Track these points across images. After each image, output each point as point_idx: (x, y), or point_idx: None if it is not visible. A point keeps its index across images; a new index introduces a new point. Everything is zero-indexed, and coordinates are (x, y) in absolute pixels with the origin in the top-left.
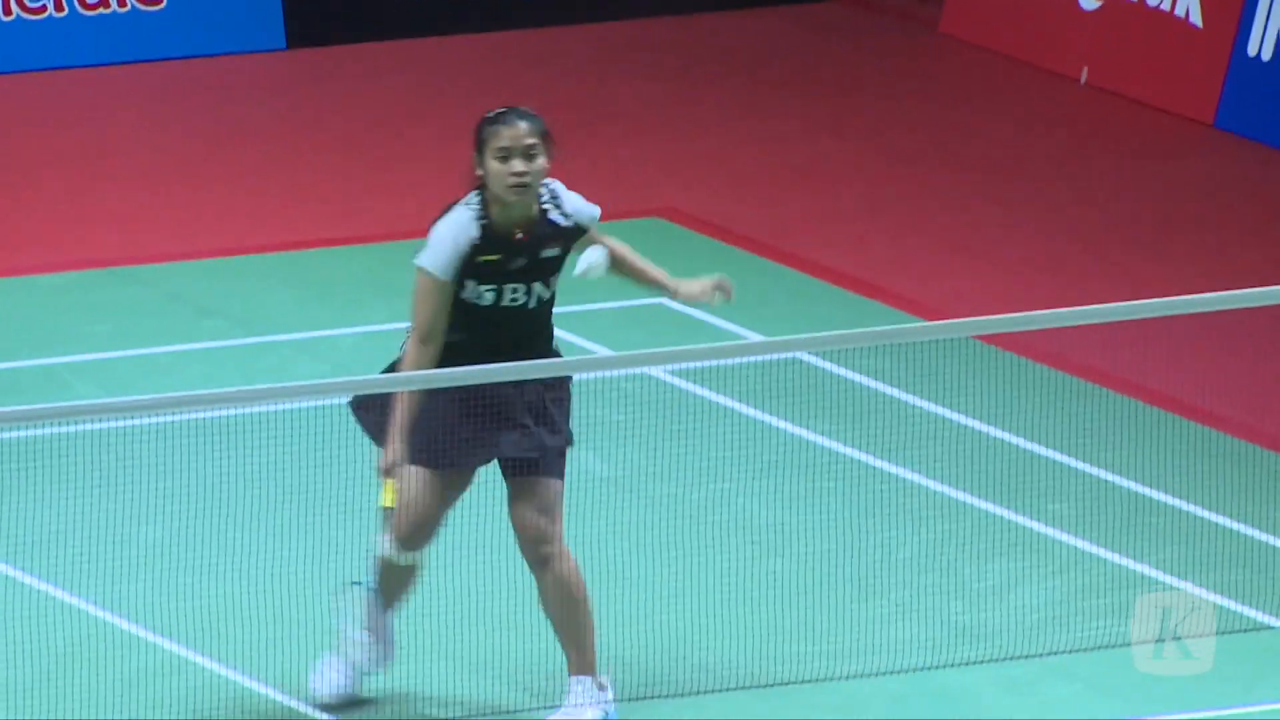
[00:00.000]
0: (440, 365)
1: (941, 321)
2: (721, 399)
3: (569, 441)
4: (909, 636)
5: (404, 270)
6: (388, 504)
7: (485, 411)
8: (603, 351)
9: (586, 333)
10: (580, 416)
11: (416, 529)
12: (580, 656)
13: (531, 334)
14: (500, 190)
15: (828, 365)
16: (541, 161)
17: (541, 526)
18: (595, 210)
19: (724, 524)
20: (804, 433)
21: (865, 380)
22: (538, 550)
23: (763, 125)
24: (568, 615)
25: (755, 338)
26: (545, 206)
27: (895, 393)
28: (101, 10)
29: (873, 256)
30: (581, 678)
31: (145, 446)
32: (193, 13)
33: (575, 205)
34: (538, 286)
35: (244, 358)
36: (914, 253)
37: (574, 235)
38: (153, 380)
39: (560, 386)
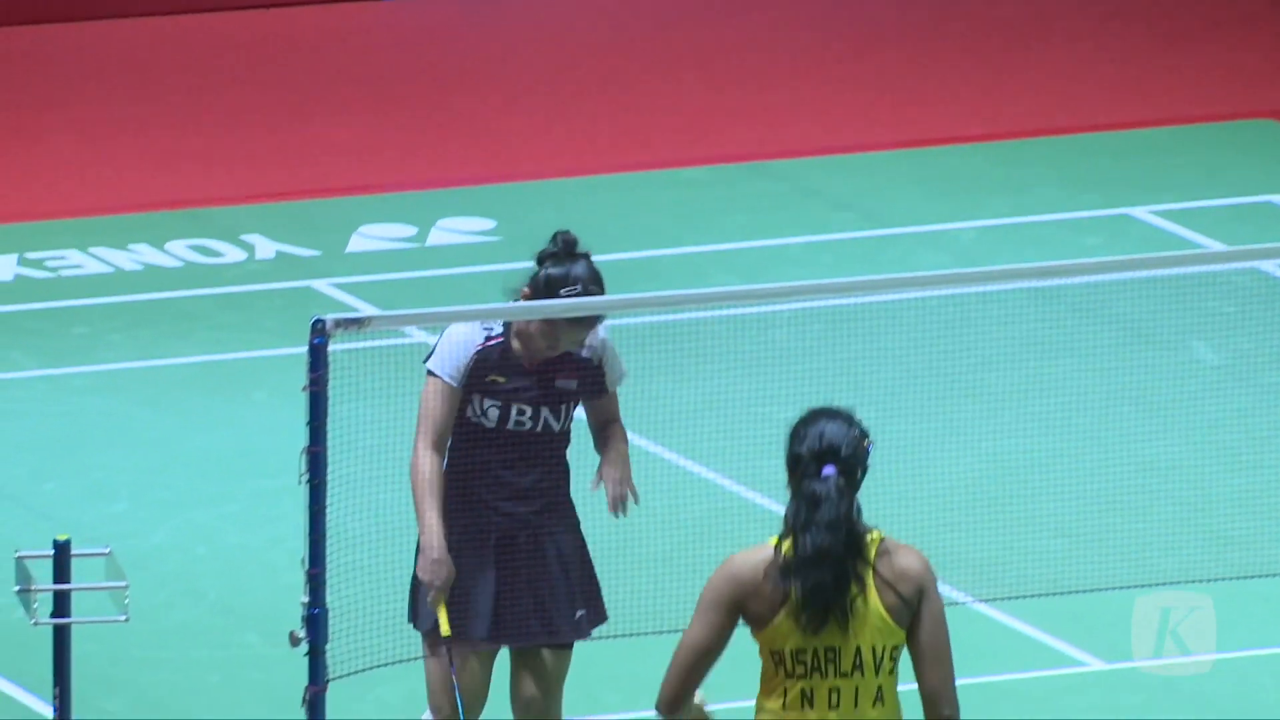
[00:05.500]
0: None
1: None
2: None
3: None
4: None
5: (1020, 168)
6: (446, 632)
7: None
8: (1216, 246)
9: (1199, 228)
10: (1188, 308)
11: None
12: None
13: (537, 462)
14: (529, 345)
15: None
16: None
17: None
18: (624, 368)
19: None
20: None
21: None
22: None
23: None
24: None
25: None
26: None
27: None
28: None
29: None
30: None
31: (779, 331)
32: None
33: (607, 347)
34: (545, 412)
35: (870, 249)
36: None
37: (593, 371)
38: (784, 270)
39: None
